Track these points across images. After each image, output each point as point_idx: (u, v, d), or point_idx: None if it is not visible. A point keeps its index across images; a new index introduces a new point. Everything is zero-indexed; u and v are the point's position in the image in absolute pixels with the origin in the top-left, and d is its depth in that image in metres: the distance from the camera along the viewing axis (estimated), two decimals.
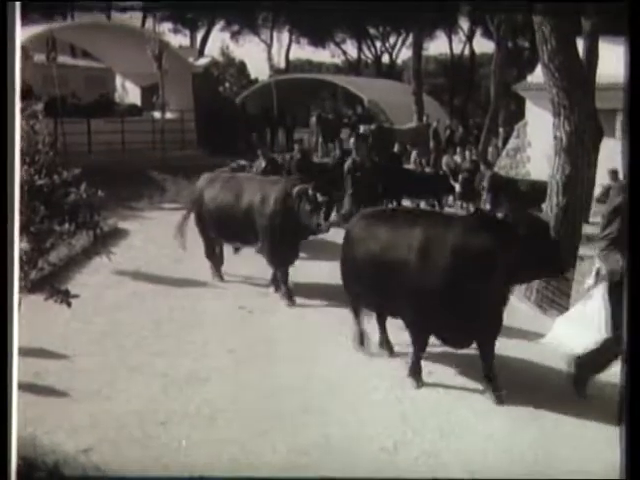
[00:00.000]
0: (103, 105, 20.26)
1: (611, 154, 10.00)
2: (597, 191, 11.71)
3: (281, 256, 8.93)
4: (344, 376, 6.58)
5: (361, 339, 7.19)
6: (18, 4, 4.98)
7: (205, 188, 9.73)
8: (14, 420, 4.89)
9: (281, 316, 8.26)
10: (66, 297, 5.95)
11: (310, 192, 8.49)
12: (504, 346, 6.84)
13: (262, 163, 11.48)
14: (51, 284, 6.19)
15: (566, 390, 6.28)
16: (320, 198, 8.41)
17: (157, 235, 11.52)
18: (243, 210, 9.17)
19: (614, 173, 12.40)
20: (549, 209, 8.85)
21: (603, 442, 5.45)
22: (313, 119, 20.54)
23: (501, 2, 15.00)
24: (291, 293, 8.74)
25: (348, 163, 10.85)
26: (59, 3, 16.51)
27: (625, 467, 4.73)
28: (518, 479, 4.91)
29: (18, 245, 5.09)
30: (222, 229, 9.51)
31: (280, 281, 8.90)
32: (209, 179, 9.86)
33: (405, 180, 13.78)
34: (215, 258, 9.76)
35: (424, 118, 19.91)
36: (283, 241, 8.80)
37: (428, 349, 6.64)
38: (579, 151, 8.65)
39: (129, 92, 21.97)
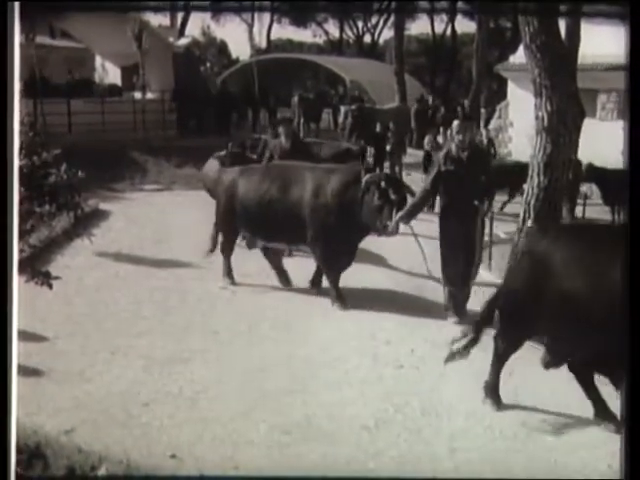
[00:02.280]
0: (80, 85, 20.06)
1: (592, 134, 10.05)
2: None
3: (335, 260, 7.93)
4: (325, 355, 6.61)
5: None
6: (18, 4, 4.94)
7: (239, 178, 8.44)
8: (14, 406, 4.88)
9: (264, 297, 8.27)
10: (47, 279, 5.91)
11: (383, 185, 7.48)
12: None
13: (284, 141, 9.59)
14: (32, 266, 6.15)
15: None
16: (393, 195, 7.41)
17: (138, 216, 11.50)
18: (291, 205, 7.97)
19: None
20: (530, 189, 8.88)
21: (582, 421, 5.53)
22: (295, 99, 20.46)
23: None
24: (343, 296, 7.91)
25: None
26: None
27: (625, 467, 4.79)
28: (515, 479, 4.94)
29: (17, 235, 5.06)
30: (261, 228, 8.26)
31: (330, 285, 8.00)
32: (241, 169, 8.64)
33: None
34: (230, 258, 8.74)
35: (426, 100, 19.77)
36: (339, 242, 7.81)
37: (407, 330, 6.69)
38: (561, 131, 8.66)
39: (109, 72, 21.78)
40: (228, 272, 8.61)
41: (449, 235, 7.50)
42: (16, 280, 4.98)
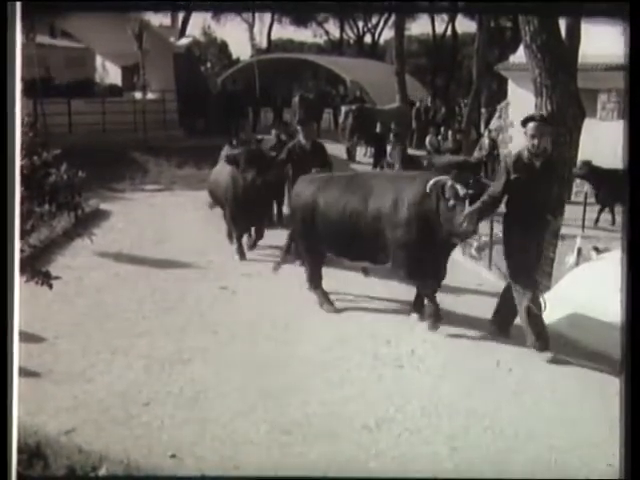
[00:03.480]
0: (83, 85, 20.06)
1: (592, 134, 10.05)
2: None
3: (423, 275, 7.29)
4: (326, 355, 6.61)
5: None
6: (18, 4, 4.95)
7: (319, 191, 7.83)
8: (14, 406, 4.89)
9: (264, 297, 8.26)
10: (47, 279, 5.91)
11: (449, 184, 6.91)
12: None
13: (303, 141, 9.44)
14: (32, 266, 6.15)
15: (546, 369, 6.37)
16: (461, 191, 6.80)
17: (139, 216, 11.49)
18: (370, 218, 7.40)
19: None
20: None
21: (584, 419, 5.53)
22: (295, 99, 20.44)
23: None
24: (439, 315, 7.26)
25: None
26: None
27: (625, 467, 4.79)
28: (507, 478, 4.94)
29: (19, 236, 5.07)
30: (343, 245, 7.67)
31: (426, 300, 7.35)
32: (322, 180, 8.02)
33: None
34: (321, 286, 8.00)
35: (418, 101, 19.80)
36: (424, 256, 7.19)
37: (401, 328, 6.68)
38: (561, 131, 8.67)
39: (109, 72, 21.76)
40: (327, 300, 7.91)
41: (513, 248, 6.80)
42: (17, 281, 4.98)
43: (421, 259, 7.17)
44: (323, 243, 7.83)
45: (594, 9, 5.91)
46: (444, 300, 7.50)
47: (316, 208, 7.74)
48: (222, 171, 10.07)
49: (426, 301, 7.32)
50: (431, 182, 6.98)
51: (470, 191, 6.76)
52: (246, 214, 9.68)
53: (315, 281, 7.99)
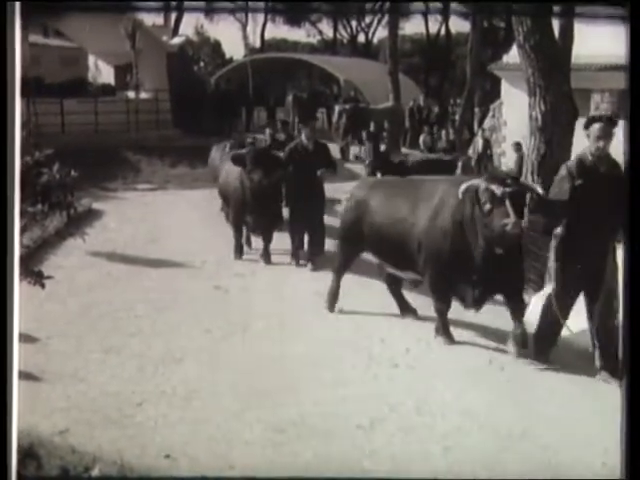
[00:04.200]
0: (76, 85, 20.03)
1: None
2: None
3: (445, 291, 6.81)
4: (320, 354, 6.61)
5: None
6: (18, 4, 4.93)
7: (370, 195, 7.46)
8: (14, 407, 4.87)
9: (257, 296, 8.25)
10: (40, 279, 5.89)
11: (483, 186, 6.23)
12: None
13: (305, 141, 9.41)
14: (25, 266, 6.12)
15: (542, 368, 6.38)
16: (498, 190, 6.11)
17: (132, 216, 11.46)
18: (414, 225, 6.93)
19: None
20: None
21: (577, 417, 5.54)
22: (289, 99, 20.44)
23: None
24: (450, 333, 6.93)
25: None
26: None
27: (625, 467, 4.80)
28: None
29: (19, 236, 5.05)
30: (391, 254, 7.26)
31: (436, 314, 6.97)
32: (374, 182, 7.78)
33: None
34: (340, 280, 7.79)
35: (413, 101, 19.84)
36: (453, 271, 6.64)
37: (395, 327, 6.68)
38: (554, 130, 8.69)
39: (102, 72, 21.71)
40: (333, 299, 7.78)
41: (571, 267, 6.15)
42: (17, 282, 4.97)
43: (452, 276, 6.66)
44: (369, 249, 7.52)
45: (588, 10, 5.93)
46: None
47: (366, 212, 7.40)
48: (232, 172, 9.83)
49: (436, 316, 6.97)
50: (462, 188, 6.37)
51: (508, 189, 6.09)
52: (252, 217, 9.55)
53: (339, 272, 7.81)
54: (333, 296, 7.76)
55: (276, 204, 9.41)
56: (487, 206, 6.16)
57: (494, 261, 6.36)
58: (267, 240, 9.56)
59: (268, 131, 12.43)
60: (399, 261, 7.20)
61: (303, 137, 9.41)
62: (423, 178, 7.74)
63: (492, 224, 6.13)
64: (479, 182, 6.29)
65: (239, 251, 9.75)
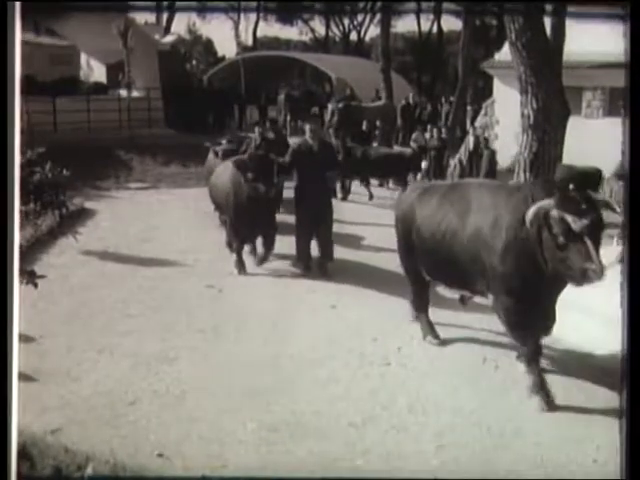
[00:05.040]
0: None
1: (577, 131, 10.09)
2: None
3: (522, 321, 5.75)
4: (312, 353, 6.61)
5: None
6: (18, 4, 4.92)
7: (417, 203, 6.68)
8: (14, 408, 4.86)
9: (250, 295, 8.25)
10: (32, 278, 5.88)
11: (555, 215, 5.26)
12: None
13: (310, 140, 8.87)
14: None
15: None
16: (575, 224, 5.14)
17: (124, 215, 11.44)
18: (467, 238, 6.06)
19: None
20: None
21: (569, 416, 5.56)
22: (281, 97, 20.44)
23: None
24: (546, 388, 5.71)
25: None
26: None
27: (625, 467, 4.81)
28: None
29: (18, 234, 5.05)
30: (438, 267, 6.48)
31: (526, 368, 5.78)
32: (422, 189, 6.83)
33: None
34: (427, 313, 6.99)
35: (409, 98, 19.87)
36: (525, 296, 5.66)
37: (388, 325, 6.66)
38: (546, 128, 8.73)
39: (94, 70, 21.66)
40: (431, 330, 6.91)
41: None
42: (17, 282, 4.96)
43: (523, 298, 5.67)
44: (421, 263, 6.70)
45: (591, 8, 5.94)
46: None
47: (413, 221, 6.63)
48: (222, 174, 9.32)
49: (524, 367, 5.79)
50: (530, 214, 5.37)
51: (586, 221, 5.12)
52: (250, 223, 8.86)
53: (418, 307, 6.98)
54: (428, 326, 6.93)
55: (274, 211, 9.04)
56: (561, 239, 5.25)
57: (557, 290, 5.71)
58: (268, 247, 9.05)
59: (257, 130, 12.36)
60: (452, 277, 6.42)
61: (307, 136, 8.88)
62: (471, 182, 6.88)
63: (569, 262, 5.24)
64: (549, 206, 5.31)
65: (241, 267, 9.03)
